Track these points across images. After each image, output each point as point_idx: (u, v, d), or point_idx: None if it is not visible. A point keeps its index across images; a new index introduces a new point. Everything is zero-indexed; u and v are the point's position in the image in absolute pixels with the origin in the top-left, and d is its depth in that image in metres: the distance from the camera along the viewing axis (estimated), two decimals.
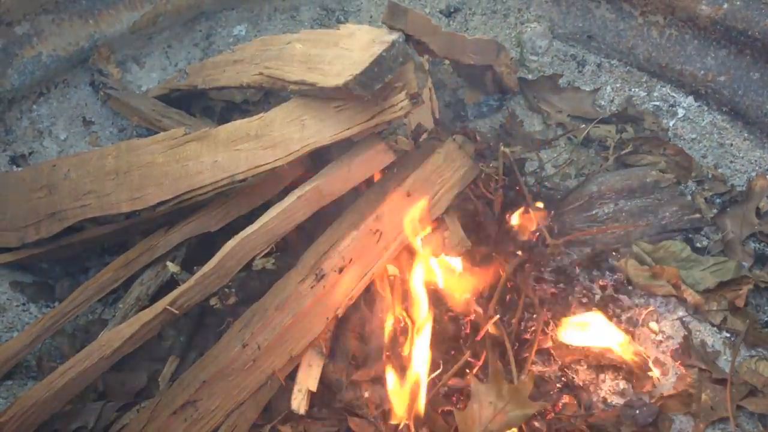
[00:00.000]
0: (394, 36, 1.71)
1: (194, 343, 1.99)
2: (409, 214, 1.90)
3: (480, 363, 1.86)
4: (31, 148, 2.44)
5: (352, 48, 1.78)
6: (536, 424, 1.78)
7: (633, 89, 2.56)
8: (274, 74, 1.97)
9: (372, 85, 1.68)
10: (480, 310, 1.89)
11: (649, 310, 2.03)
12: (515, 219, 2.09)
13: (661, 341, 1.98)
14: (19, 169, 2.35)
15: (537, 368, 1.91)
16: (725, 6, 2.31)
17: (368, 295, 1.93)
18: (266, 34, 2.76)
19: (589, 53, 2.68)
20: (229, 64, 2.28)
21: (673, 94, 2.52)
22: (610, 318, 2.01)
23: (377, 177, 2.02)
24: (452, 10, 2.84)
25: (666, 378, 1.91)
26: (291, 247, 1.95)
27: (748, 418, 1.85)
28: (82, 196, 2.00)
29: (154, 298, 1.96)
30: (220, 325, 1.94)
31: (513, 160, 2.16)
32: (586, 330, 1.94)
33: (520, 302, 1.97)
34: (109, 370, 1.76)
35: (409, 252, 1.98)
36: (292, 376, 1.80)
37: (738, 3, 2.29)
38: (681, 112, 2.48)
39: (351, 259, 1.84)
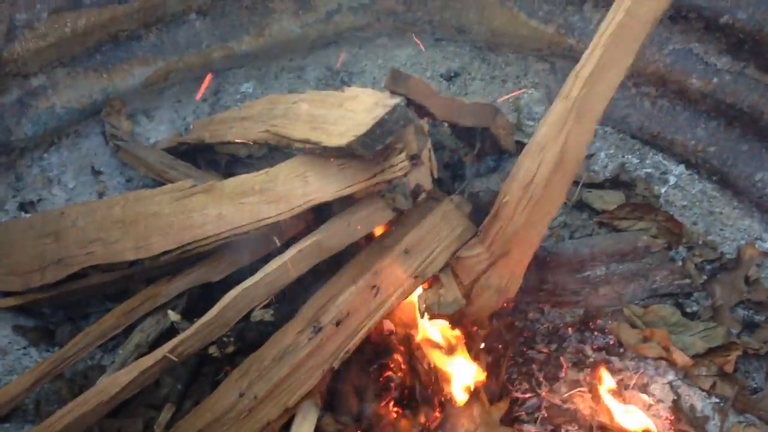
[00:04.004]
0: (396, 100, 1.79)
1: (191, 392, 2.01)
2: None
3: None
4: (40, 196, 2.51)
5: (356, 110, 1.87)
6: None
7: (626, 156, 2.64)
8: (280, 132, 2.06)
9: (374, 145, 1.76)
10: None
11: (639, 373, 2.07)
12: None
13: (651, 404, 2.01)
14: (28, 215, 2.42)
15: (529, 428, 1.94)
16: (715, 80, 2.42)
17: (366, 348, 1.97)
18: (273, 92, 2.87)
19: None
20: (237, 121, 2.37)
21: (665, 162, 2.60)
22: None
23: (376, 234, 2.09)
24: (452, 75, 2.96)
25: None
26: (290, 300, 2.00)
27: None
28: (89, 244, 2.05)
29: (154, 345, 1.99)
30: (216, 374, 1.98)
31: None
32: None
33: (503, 361, 2.02)
34: (106, 415, 1.79)
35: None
36: (287, 427, 1.83)
37: (727, 77, 2.39)
38: (672, 179, 2.56)
39: (348, 313, 1.89)
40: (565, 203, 2.56)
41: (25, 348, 2.15)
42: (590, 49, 1.80)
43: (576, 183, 2.58)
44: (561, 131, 1.80)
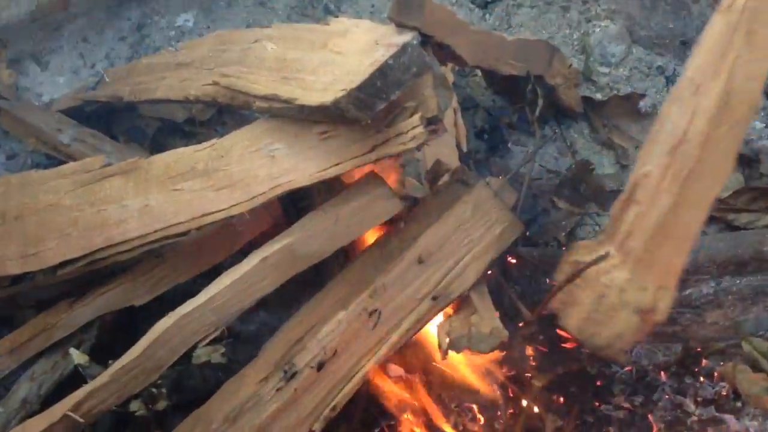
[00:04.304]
0: (406, 37, 1.78)
1: None
2: None
3: None
4: None
5: (347, 52, 1.86)
6: None
7: None
8: (235, 85, 2.05)
9: (373, 104, 1.75)
10: None
11: None
12: None
13: None
14: None
15: None
16: None
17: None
18: (224, 27, 2.87)
19: (682, 66, 2.76)
20: (171, 69, 2.37)
21: None
22: None
23: (376, 234, 2.10)
24: (489, 0, 2.95)
25: None
26: (250, 332, 2.00)
27: None
28: None
29: (49, 400, 1.99)
30: None
31: None
32: None
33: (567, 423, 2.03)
34: None
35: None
36: None
37: None
38: None
39: (335, 351, 1.88)
40: None
41: None
42: None
43: None
44: (723, 60, 1.71)
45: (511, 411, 2.02)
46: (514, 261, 2.25)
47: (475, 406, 2.02)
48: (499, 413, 2.02)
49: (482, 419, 2.03)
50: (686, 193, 1.77)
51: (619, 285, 1.82)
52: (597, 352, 1.89)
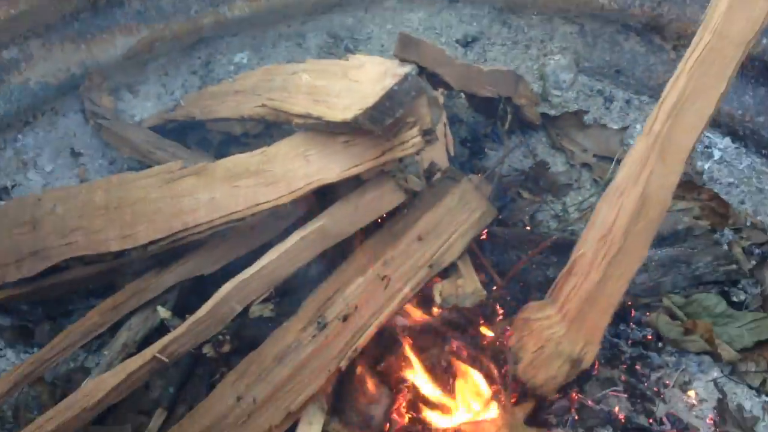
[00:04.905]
0: (407, 69, 1.77)
1: (183, 395, 2.00)
2: None
3: None
4: (15, 181, 2.50)
5: (362, 80, 1.86)
6: None
7: None
8: (278, 106, 2.04)
9: (383, 119, 1.75)
10: None
11: (680, 370, 2.06)
12: None
13: (694, 404, 2.00)
14: (1, 202, 2.42)
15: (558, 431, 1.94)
16: (765, 41, 2.37)
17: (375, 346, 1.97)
18: (270, 63, 2.86)
19: (617, 89, 2.75)
20: (230, 94, 2.36)
21: (708, 134, 2.56)
22: (639, 378, 2.03)
23: (387, 218, 2.08)
24: (470, 40, 2.93)
25: None
26: (292, 293, 2.00)
27: None
28: (69, 233, 2.05)
29: (142, 345, 1.99)
30: (212, 375, 1.98)
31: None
32: None
33: None
34: (92, 422, 1.79)
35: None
36: None
37: None
38: (717, 153, 2.53)
39: (356, 307, 1.88)
40: (597, 181, 2.55)
41: (1, 349, 2.15)
42: (674, 77, 1.73)
43: (611, 160, 2.56)
44: (642, 173, 1.76)
45: None
46: (489, 238, 2.22)
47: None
48: None
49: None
50: (610, 272, 1.82)
51: (556, 339, 1.86)
52: (533, 390, 1.92)
